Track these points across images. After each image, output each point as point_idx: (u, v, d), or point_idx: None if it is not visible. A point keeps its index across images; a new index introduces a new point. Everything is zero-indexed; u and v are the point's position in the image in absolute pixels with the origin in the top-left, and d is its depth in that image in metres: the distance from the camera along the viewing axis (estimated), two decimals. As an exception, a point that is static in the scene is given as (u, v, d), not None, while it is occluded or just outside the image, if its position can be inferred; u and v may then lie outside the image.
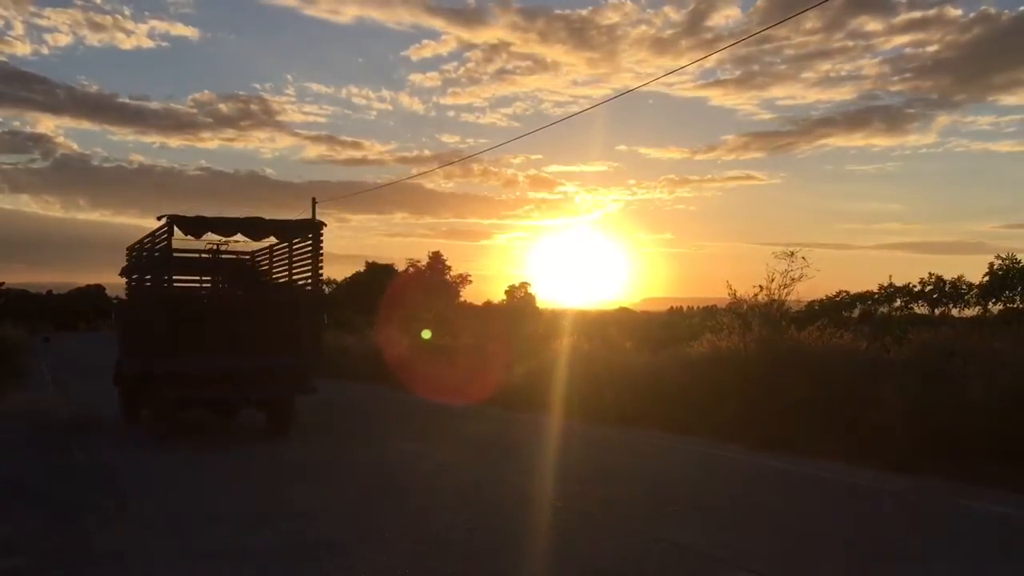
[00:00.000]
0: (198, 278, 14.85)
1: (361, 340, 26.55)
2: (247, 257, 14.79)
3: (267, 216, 12.95)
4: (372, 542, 6.19)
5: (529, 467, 9.91)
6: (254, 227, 12.74)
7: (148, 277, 13.61)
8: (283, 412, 12.61)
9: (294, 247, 13.54)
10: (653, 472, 9.45)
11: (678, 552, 5.93)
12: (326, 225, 13.02)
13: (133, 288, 14.76)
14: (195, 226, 12.17)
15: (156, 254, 12.80)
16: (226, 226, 12.62)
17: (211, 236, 12.97)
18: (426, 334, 23.56)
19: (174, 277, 13.09)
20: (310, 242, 12.96)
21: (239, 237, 13.16)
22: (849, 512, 7.44)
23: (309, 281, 13.05)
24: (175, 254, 12.72)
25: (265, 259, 14.70)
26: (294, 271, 13.56)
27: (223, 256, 14.43)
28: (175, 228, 11.96)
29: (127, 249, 14.93)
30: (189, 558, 5.82)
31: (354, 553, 5.86)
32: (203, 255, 14.10)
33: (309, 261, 12.95)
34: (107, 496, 8.04)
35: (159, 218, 12.21)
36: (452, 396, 17.42)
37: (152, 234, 12.93)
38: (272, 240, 13.85)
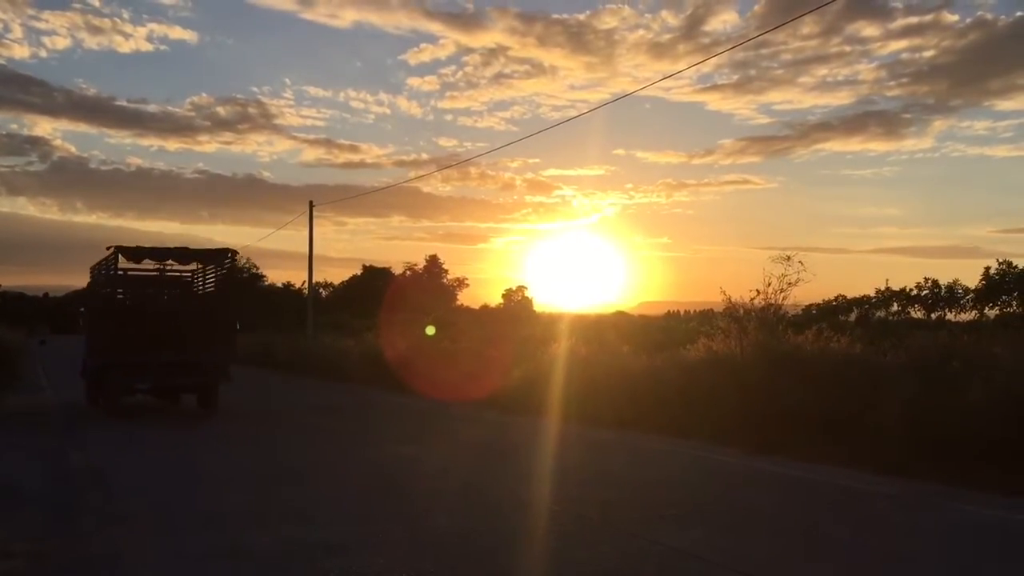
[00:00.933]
0: (144, 292, 17.46)
1: (359, 343, 26.60)
2: (188, 276, 17.67)
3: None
4: (370, 543, 6.19)
5: (527, 470, 9.93)
6: (182, 254, 16.35)
7: (102, 292, 16.54)
8: (208, 395, 16.24)
9: (219, 269, 16.73)
10: (650, 475, 9.46)
11: (675, 555, 5.94)
12: (238, 253, 16.55)
13: (92, 300, 17.78)
14: (135, 254, 15.79)
15: (109, 273, 15.96)
16: (160, 254, 16.22)
17: (149, 261, 16.23)
18: (430, 330, 23.53)
19: (128, 291, 16.53)
20: (226, 266, 16.57)
21: (172, 262, 16.56)
22: (846, 515, 7.46)
23: (224, 296, 16.76)
24: (129, 273, 16.38)
25: (198, 279, 17.64)
26: (214, 288, 16.96)
27: (166, 276, 17.38)
28: (120, 255, 15.47)
29: (90, 269, 17.72)
30: (187, 559, 5.82)
31: (352, 554, 5.86)
32: (150, 274, 17.04)
33: (225, 281, 16.81)
34: (104, 498, 8.02)
35: (107, 248, 15.71)
36: (450, 399, 17.45)
37: (105, 259, 16.14)
38: (197, 265, 17.04)
